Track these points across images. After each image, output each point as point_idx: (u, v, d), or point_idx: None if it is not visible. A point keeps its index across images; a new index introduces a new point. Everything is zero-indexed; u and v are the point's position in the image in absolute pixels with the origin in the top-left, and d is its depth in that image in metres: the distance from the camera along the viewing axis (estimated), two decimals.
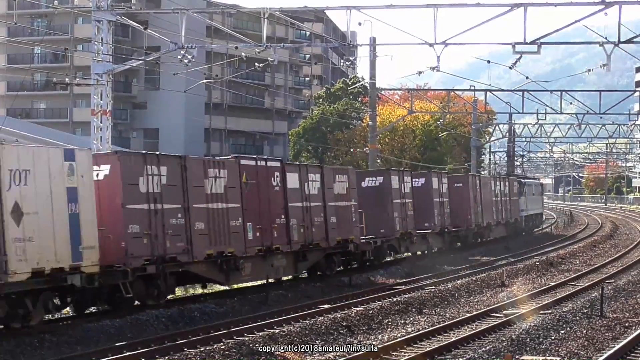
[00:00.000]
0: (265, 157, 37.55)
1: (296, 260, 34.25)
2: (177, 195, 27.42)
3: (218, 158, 31.29)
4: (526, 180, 78.56)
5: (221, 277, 29.81)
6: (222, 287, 32.18)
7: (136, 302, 26.92)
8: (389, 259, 44.81)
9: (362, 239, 38.97)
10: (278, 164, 33.80)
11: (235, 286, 32.55)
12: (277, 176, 33.01)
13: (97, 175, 24.98)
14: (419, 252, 47.28)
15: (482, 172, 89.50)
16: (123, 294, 25.33)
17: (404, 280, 36.68)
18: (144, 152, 27.94)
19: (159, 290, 27.01)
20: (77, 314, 25.93)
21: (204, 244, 28.51)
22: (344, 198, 37.61)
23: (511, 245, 56.44)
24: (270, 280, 33.09)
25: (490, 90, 65.58)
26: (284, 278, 34.92)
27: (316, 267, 36.32)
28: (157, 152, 28.20)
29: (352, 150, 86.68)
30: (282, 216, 32.97)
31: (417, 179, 47.85)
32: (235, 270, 29.96)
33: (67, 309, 25.94)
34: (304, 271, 36.00)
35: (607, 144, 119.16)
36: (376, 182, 42.72)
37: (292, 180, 33.98)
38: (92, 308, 26.65)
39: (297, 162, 43.03)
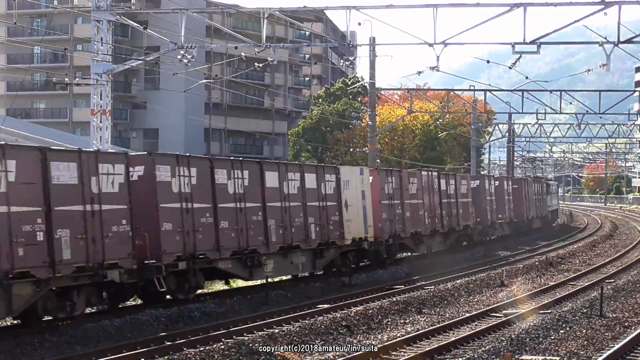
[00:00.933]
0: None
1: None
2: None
3: (241, 159, 31.98)
4: (549, 181, 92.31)
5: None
6: (224, 287, 32.49)
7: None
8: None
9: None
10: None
11: (234, 286, 32.84)
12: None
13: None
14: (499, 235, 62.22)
15: (482, 172, 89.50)
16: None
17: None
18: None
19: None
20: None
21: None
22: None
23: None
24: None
25: (489, 90, 65.59)
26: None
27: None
28: (188, 154, 29.41)
29: (351, 150, 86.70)
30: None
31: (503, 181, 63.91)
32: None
33: None
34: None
35: (606, 143, 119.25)
36: (474, 184, 56.51)
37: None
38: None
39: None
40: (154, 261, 26.01)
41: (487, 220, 57.73)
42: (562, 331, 23.16)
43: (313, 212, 34.80)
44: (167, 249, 26.60)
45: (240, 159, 32.35)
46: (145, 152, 29.14)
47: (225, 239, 29.25)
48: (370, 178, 39.98)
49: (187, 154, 29.25)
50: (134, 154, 29.84)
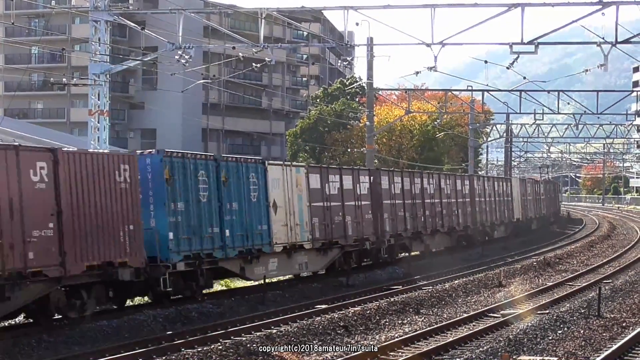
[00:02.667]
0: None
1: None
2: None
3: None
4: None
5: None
6: (221, 287, 32.47)
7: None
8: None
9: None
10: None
11: (232, 286, 32.81)
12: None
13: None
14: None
15: (480, 172, 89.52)
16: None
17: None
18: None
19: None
20: None
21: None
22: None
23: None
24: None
25: (487, 91, 65.51)
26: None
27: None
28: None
29: (349, 150, 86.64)
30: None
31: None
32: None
33: None
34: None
35: (604, 144, 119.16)
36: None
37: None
38: None
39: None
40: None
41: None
42: (559, 332, 23.16)
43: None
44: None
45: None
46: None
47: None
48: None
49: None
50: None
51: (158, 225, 26.54)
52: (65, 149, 24.75)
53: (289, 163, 35.60)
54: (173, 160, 27.43)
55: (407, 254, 45.83)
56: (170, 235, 26.81)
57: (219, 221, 29.06)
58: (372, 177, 41.19)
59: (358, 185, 39.45)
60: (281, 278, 35.03)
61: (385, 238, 41.51)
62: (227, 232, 29.44)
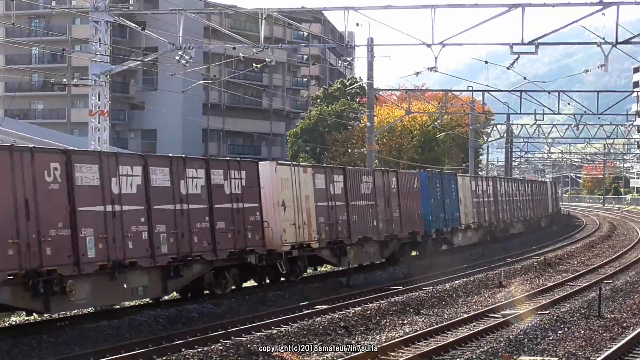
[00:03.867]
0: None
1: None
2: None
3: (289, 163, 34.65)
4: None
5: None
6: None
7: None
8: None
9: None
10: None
11: (233, 287, 32.76)
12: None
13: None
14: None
15: (480, 173, 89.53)
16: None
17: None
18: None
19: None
20: None
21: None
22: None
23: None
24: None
25: (488, 91, 65.56)
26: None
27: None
28: (238, 159, 32.21)
29: (349, 150, 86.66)
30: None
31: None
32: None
33: None
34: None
35: (604, 144, 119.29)
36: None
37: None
38: None
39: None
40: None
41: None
42: (560, 332, 23.16)
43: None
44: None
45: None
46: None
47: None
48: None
49: (238, 159, 32.19)
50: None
51: None
52: None
53: None
54: None
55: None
56: None
57: None
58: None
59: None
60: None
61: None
62: None
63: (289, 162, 37.39)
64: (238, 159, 32.44)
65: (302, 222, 33.96)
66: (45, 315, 24.54)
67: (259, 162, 32.61)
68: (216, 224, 28.84)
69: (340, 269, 37.63)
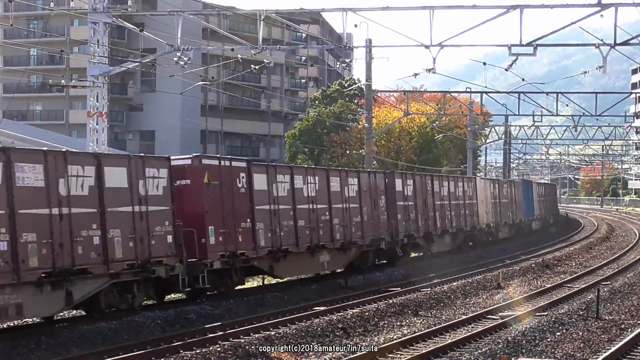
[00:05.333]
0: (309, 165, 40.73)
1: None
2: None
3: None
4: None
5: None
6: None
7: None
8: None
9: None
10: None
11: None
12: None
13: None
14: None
15: (479, 174, 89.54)
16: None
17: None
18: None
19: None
20: None
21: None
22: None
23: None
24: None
25: (486, 92, 65.56)
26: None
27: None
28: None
29: (348, 152, 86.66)
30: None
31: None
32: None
33: None
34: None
35: (603, 146, 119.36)
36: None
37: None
38: None
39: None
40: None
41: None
42: (558, 333, 23.16)
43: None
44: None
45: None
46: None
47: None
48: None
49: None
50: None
51: None
52: None
53: None
54: None
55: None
56: None
57: None
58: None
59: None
60: (279, 280, 35.13)
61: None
62: None
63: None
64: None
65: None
66: (45, 316, 24.50)
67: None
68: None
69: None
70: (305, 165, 44.26)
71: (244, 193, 30.97)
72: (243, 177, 31.03)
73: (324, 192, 35.95)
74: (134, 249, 25.14)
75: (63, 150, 24.37)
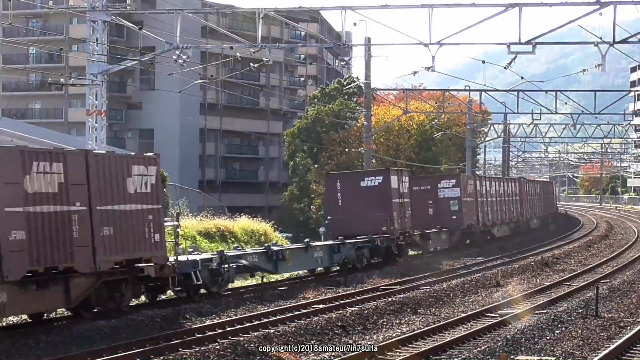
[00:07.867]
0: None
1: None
2: None
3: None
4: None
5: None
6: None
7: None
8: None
9: None
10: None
11: (230, 286, 32.79)
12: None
13: None
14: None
15: (478, 172, 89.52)
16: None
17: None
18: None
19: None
20: None
21: None
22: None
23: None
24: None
25: (485, 91, 65.56)
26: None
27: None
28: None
29: (347, 150, 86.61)
30: None
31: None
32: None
33: None
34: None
35: (602, 144, 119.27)
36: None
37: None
38: None
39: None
40: None
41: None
42: (557, 331, 23.17)
43: None
44: None
45: None
46: None
47: None
48: None
49: None
50: None
51: None
52: None
53: None
54: None
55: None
56: None
57: None
58: None
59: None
60: (278, 278, 35.16)
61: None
62: None
63: None
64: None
65: None
66: (44, 315, 24.50)
67: None
68: None
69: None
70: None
71: None
72: None
73: None
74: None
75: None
